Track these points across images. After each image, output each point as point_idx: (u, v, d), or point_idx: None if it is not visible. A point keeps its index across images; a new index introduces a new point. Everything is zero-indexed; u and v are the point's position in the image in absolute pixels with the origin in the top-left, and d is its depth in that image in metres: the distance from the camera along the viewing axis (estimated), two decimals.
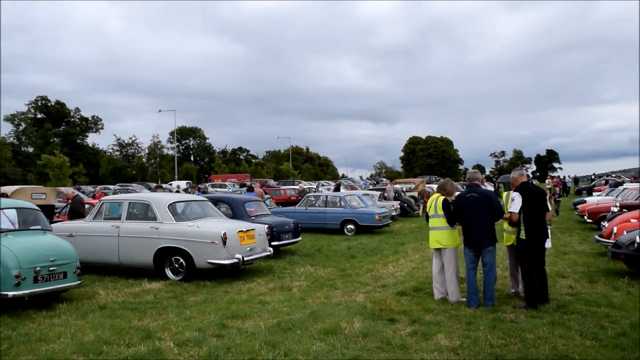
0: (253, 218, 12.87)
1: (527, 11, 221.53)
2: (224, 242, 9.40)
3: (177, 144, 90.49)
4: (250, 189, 19.94)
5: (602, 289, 8.48)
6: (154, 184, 26.47)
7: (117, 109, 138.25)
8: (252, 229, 10.48)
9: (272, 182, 53.66)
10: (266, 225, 11.29)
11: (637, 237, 9.22)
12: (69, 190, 17.99)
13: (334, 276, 10.10)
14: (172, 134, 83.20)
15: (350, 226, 18.11)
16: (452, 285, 7.64)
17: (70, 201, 14.26)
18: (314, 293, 8.55)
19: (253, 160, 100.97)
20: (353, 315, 6.79)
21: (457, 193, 8.57)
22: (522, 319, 6.69)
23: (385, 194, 25.69)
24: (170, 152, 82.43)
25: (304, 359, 5.21)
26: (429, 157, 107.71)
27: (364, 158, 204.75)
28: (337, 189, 31.52)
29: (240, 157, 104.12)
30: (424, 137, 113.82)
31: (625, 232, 10.42)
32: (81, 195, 19.25)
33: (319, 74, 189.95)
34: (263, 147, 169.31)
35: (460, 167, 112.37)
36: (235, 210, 13.01)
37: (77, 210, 13.19)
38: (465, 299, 7.52)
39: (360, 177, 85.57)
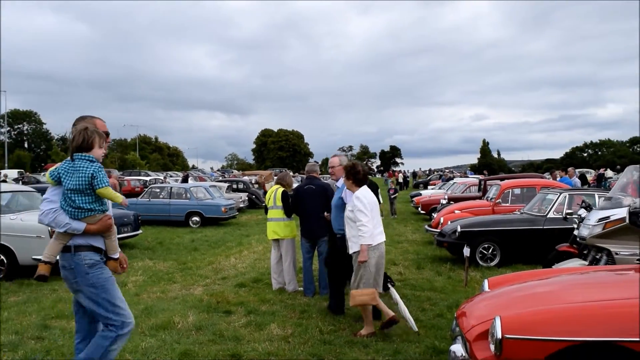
0: None
1: (376, 15, 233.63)
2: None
3: (9, 128, 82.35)
4: None
5: (427, 275, 9.18)
6: None
7: None
8: None
9: (116, 173, 50.84)
10: None
11: (458, 227, 10.12)
12: None
13: (174, 270, 9.84)
14: (2, 117, 75.46)
15: (196, 218, 17.79)
16: (289, 275, 7.81)
17: None
18: (151, 288, 8.26)
19: None
20: (188, 309, 6.67)
21: (295, 185, 8.77)
22: None
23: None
24: (0, 137, 74.78)
25: (131, 357, 5.01)
26: (280, 149, 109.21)
27: (216, 149, 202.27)
28: (184, 180, 30.78)
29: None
30: (276, 130, 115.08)
31: (449, 222, 11.38)
32: None
33: (171, 61, 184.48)
34: None
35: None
36: None
37: None
38: (302, 288, 7.73)
39: (211, 169, 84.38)
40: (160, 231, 16.08)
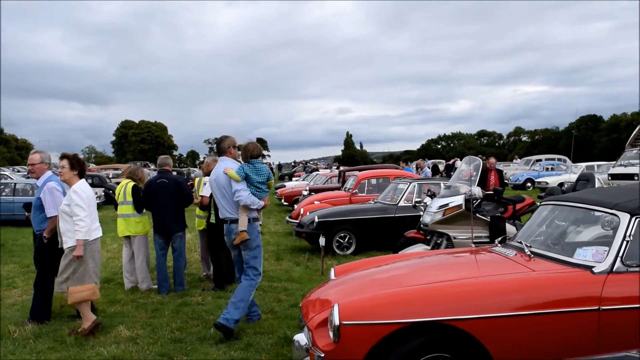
0: None
1: (242, 7, 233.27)
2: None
3: None
4: None
5: (285, 265, 9.31)
6: None
7: None
8: None
9: None
10: None
11: (316, 217, 10.36)
12: None
13: (15, 274, 9.04)
14: None
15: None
16: (142, 273, 7.53)
17: None
18: None
19: None
20: (27, 316, 6.17)
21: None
22: (209, 300, 6.93)
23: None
24: None
25: None
26: (142, 142, 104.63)
27: (72, 142, 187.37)
28: None
29: None
30: (137, 122, 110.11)
31: (308, 213, 11.62)
32: None
33: (18, 44, 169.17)
34: None
35: (175, 153, 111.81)
36: None
37: None
38: (156, 286, 7.48)
39: None
40: (3, 232, 14.73)
